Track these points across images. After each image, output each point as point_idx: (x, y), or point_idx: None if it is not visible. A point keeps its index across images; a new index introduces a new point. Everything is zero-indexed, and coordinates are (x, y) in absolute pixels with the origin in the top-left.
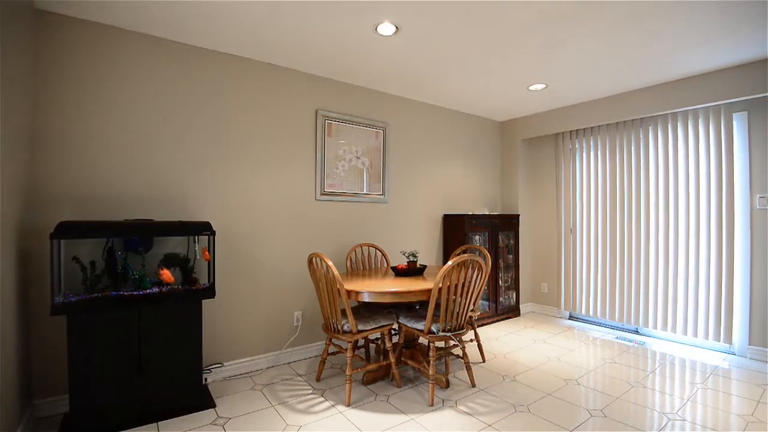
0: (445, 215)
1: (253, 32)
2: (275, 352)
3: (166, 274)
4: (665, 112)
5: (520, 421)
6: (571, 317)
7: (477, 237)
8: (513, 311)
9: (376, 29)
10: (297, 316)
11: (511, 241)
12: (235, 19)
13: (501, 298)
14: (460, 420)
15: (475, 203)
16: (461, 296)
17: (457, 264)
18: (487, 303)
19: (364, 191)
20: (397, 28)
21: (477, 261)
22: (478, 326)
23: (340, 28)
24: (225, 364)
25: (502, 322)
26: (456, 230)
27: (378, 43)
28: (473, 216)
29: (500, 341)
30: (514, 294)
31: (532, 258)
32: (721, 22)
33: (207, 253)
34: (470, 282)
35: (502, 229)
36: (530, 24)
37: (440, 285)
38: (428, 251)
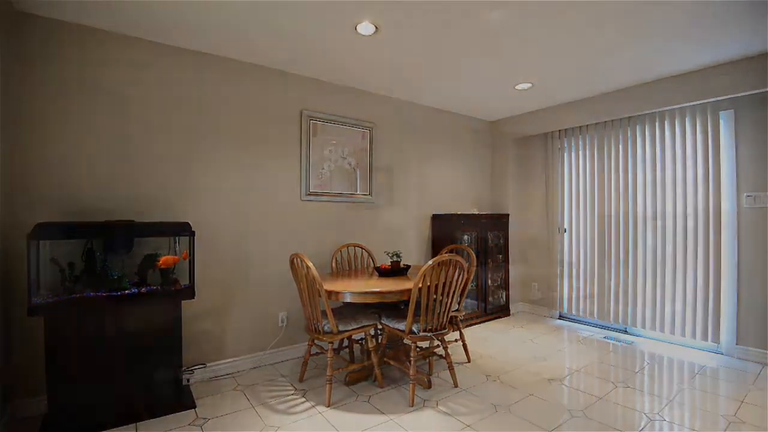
0: (434, 215)
1: (234, 32)
2: (259, 353)
3: (169, 258)
4: (652, 111)
5: (499, 421)
6: (561, 317)
7: (466, 237)
8: (503, 311)
9: (356, 29)
10: (282, 316)
11: (501, 241)
12: (216, 19)
13: (490, 298)
14: (440, 420)
15: (464, 203)
16: (442, 296)
17: (437, 263)
18: (476, 303)
19: (351, 191)
20: (376, 27)
21: (457, 260)
22: (467, 326)
23: (320, 27)
24: (208, 364)
25: (491, 321)
26: (445, 230)
27: (359, 42)
28: (462, 216)
29: (488, 341)
30: (504, 294)
31: (522, 257)
32: (705, 20)
33: (186, 252)
34: (451, 281)
35: (491, 228)
36: (510, 23)
37: (420, 285)
38: (417, 251)
